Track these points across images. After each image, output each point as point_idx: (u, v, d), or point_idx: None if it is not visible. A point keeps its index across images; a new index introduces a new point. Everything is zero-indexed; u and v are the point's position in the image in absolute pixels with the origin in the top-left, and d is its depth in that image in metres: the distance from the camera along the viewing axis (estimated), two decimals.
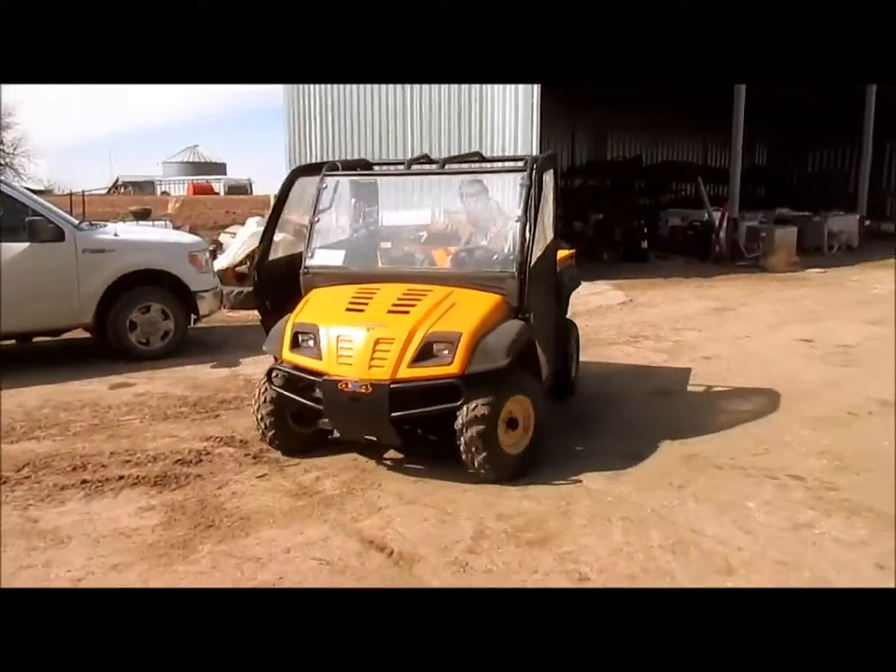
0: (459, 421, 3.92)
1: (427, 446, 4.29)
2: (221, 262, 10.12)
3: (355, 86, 17.39)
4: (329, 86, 18.35)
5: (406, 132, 16.05)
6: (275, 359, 4.49)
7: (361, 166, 5.51)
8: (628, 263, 15.64)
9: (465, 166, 5.55)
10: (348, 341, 4.04)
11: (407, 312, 4.11)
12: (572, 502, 3.82)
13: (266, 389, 4.36)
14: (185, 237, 8.15)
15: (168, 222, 13.25)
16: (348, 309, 4.25)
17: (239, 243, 10.21)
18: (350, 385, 3.92)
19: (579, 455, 4.54)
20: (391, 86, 16.24)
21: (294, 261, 4.84)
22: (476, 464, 3.99)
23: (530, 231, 4.26)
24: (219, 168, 66.45)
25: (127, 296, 6.85)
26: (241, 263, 10.36)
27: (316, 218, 4.77)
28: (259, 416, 4.40)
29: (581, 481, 4.09)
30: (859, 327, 8.84)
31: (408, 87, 15.75)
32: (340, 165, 5.11)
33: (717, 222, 16.54)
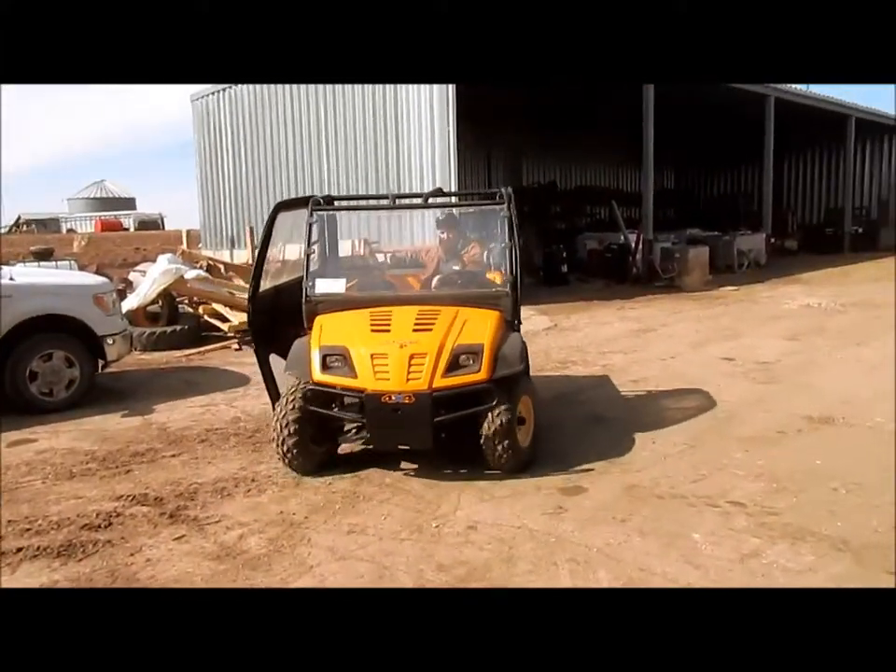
0: (491, 421, 4.38)
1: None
2: (131, 302, 9.61)
3: (267, 118, 17.13)
4: (238, 118, 18.03)
5: (322, 164, 15.84)
6: (269, 392, 5.23)
7: (326, 202, 5.60)
8: (549, 287, 15.78)
9: (444, 200, 6.30)
10: (383, 357, 4.43)
11: (430, 329, 4.59)
12: (515, 546, 3.63)
13: (292, 411, 4.52)
14: (89, 278, 7.66)
15: (73, 262, 12.55)
16: (374, 330, 4.66)
17: (150, 281, 9.71)
18: (394, 398, 4.30)
19: (517, 490, 4.37)
20: (305, 117, 16.06)
21: (280, 293, 5.24)
22: (501, 458, 4.48)
23: (517, 254, 4.92)
24: (128, 203, 64.34)
25: (26, 344, 6.35)
26: (152, 302, 9.87)
27: (311, 250, 5.13)
28: (285, 439, 4.54)
29: (522, 521, 3.92)
30: (776, 343, 9.06)
31: (322, 118, 15.61)
32: (322, 200, 5.39)
33: (633, 244, 16.91)
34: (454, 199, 6.84)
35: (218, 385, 7.46)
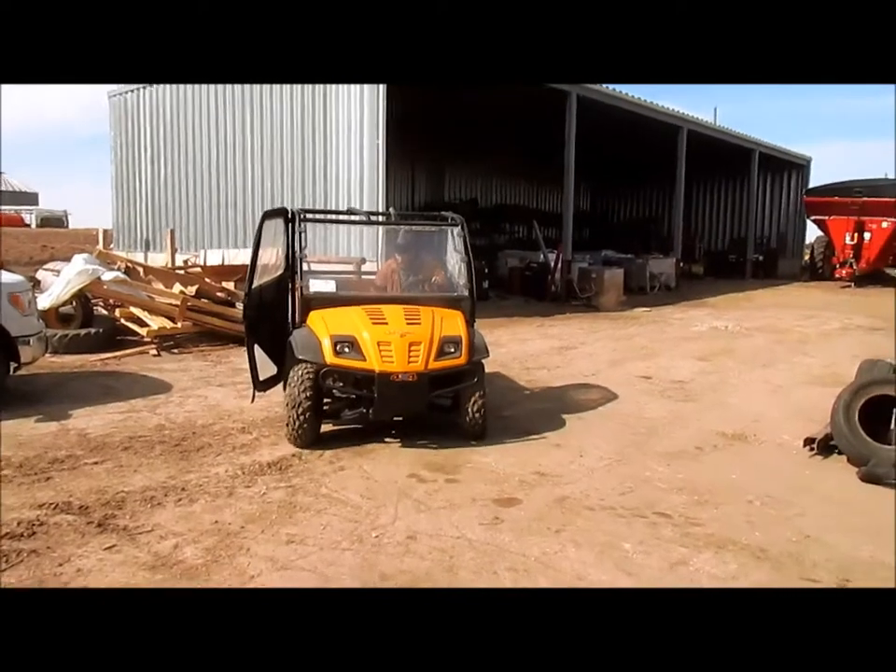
0: (476, 398, 5.47)
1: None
2: (43, 302, 9.16)
3: (188, 120, 16.76)
4: (159, 118, 17.55)
5: (246, 170, 15.58)
6: (252, 378, 5.79)
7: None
8: None
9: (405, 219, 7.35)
10: (388, 345, 5.30)
11: (419, 323, 5.53)
12: (455, 555, 3.69)
13: (304, 390, 5.20)
14: (3, 276, 7.28)
15: None
16: (374, 323, 5.47)
17: (64, 281, 9.30)
18: (400, 376, 5.22)
19: (453, 501, 4.44)
20: (229, 121, 15.79)
21: (264, 290, 5.82)
22: (476, 426, 5.53)
23: (473, 267, 6.12)
24: (30, 198, 61.22)
25: None
26: (66, 303, 9.47)
27: (304, 254, 5.85)
28: (298, 415, 5.22)
29: (461, 531, 3.99)
30: (689, 363, 9.49)
31: (247, 123, 15.38)
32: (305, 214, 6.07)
33: (552, 263, 17.34)
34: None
35: (139, 391, 7.24)
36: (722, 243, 29.83)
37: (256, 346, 5.76)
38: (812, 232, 27.90)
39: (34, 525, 3.98)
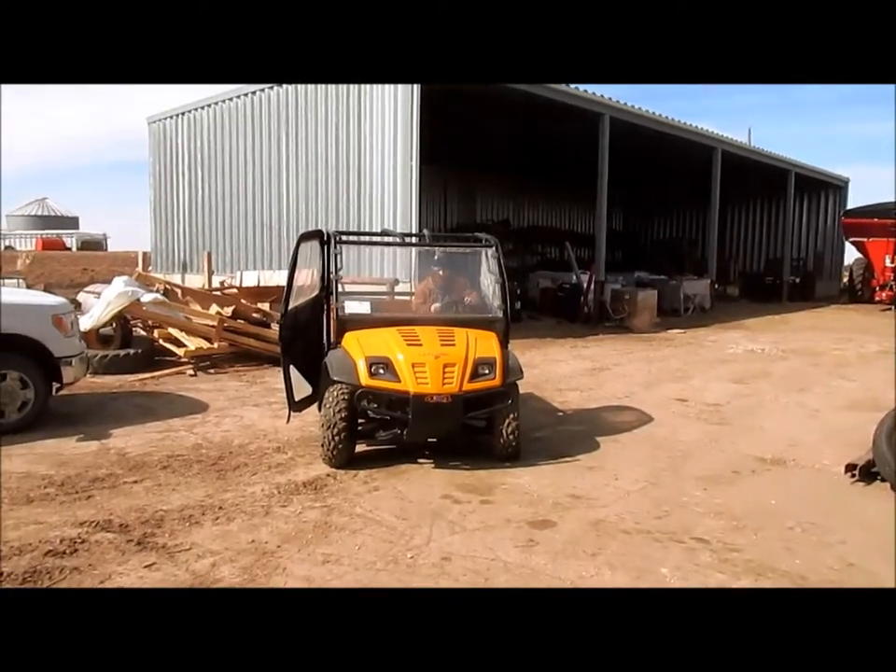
0: (511, 419, 5.47)
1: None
2: (84, 324, 9.37)
3: (225, 144, 17.08)
4: (196, 143, 17.92)
5: (282, 193, 15.82)
6: (288, 398, 5.83)
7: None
8: None
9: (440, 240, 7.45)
10: (422, 366, 5.31)
11: (454, 345, 5.55)
12: (490, 577, 3.68)
13: (339, 411, 5.25)
14: (47, 298, 7.49)
15: (21, 280, 12.23)
16: (409, 344, 5.49)
17: (104, 303, 9.51)
18: (435, 398, 5.22)
19: (487, 523, 4.43)
20: (265, 145, 16.06)
21: (299, 311, 5.90)
22: (510, 448, 5.53)
23: (507, 288, 6.07)
24: (71, 222, 62.79)
25: None
26: (106, 325, 9.67)
27: (338, 276, 5.95)
28: (333, 436, 5.28)
29: (495, 553, 3.98)
30: (724, 385, 9.38)
31: (283, 147, 15.63)
32: (340, 236, 6.16)
33: (585, 285, 17.30)
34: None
35: (176, 410, 7.35)
36: (758, 264, 29.51)
37: (291, 367, 5.81)
38: (851, 254, 27.52)
39: (75, 542, 4.05)
